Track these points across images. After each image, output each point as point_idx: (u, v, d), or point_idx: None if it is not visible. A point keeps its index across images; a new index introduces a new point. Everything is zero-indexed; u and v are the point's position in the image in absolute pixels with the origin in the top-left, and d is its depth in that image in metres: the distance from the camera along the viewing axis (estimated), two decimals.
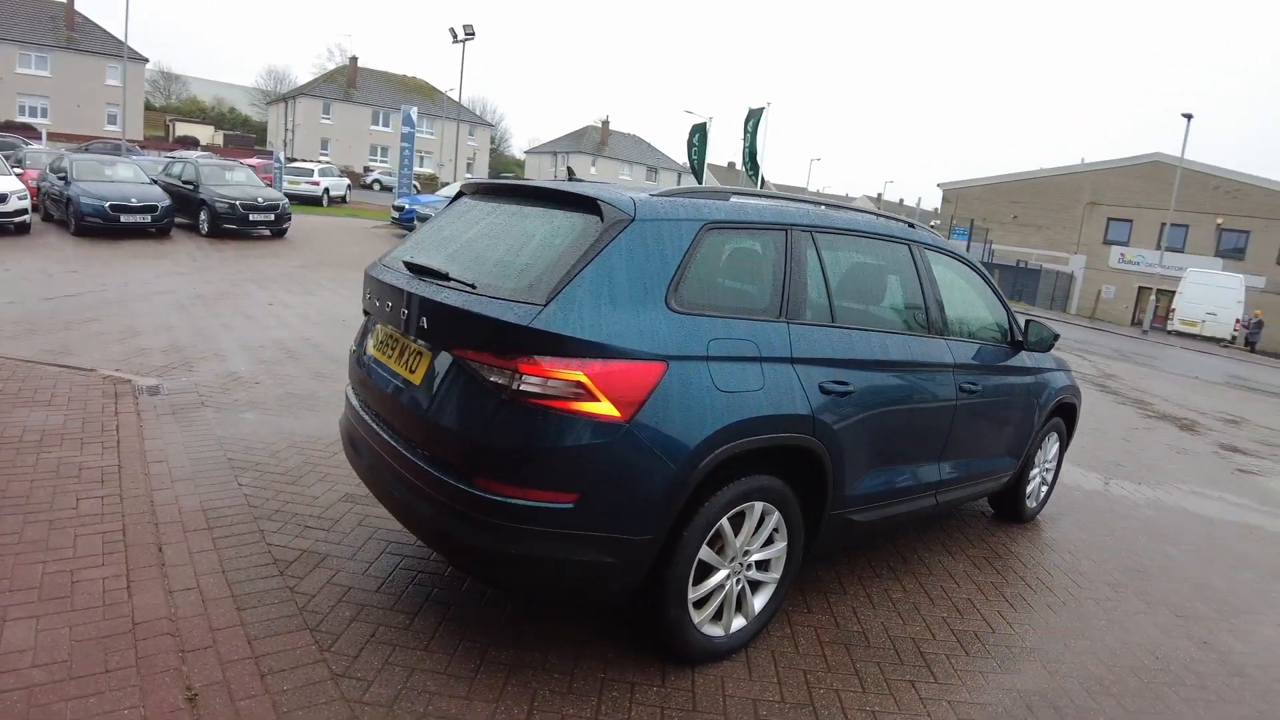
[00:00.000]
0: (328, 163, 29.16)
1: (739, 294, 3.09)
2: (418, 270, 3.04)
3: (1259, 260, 33.79)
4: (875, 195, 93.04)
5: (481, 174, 64.35)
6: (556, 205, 3.00)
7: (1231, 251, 34.64)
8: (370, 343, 3.33)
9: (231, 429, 4.92)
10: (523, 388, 2.51)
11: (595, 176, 70.75)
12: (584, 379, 2.51)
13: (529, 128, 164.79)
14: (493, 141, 75.51)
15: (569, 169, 4.64)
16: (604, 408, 2.53)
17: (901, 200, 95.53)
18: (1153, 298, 29.59)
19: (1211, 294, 27.69)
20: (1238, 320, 27.92)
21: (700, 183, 20.58)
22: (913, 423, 3.78)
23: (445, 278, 2.86)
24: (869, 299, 3.79)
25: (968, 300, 4.41)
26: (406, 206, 17.70)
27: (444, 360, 2.77)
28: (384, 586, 3.34)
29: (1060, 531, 5.26)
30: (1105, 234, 38.86)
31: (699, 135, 20.72)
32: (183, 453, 4.43)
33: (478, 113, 70.29)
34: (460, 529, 2.60)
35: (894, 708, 2.97)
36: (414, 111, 22.65)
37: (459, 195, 3.64)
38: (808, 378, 3.10)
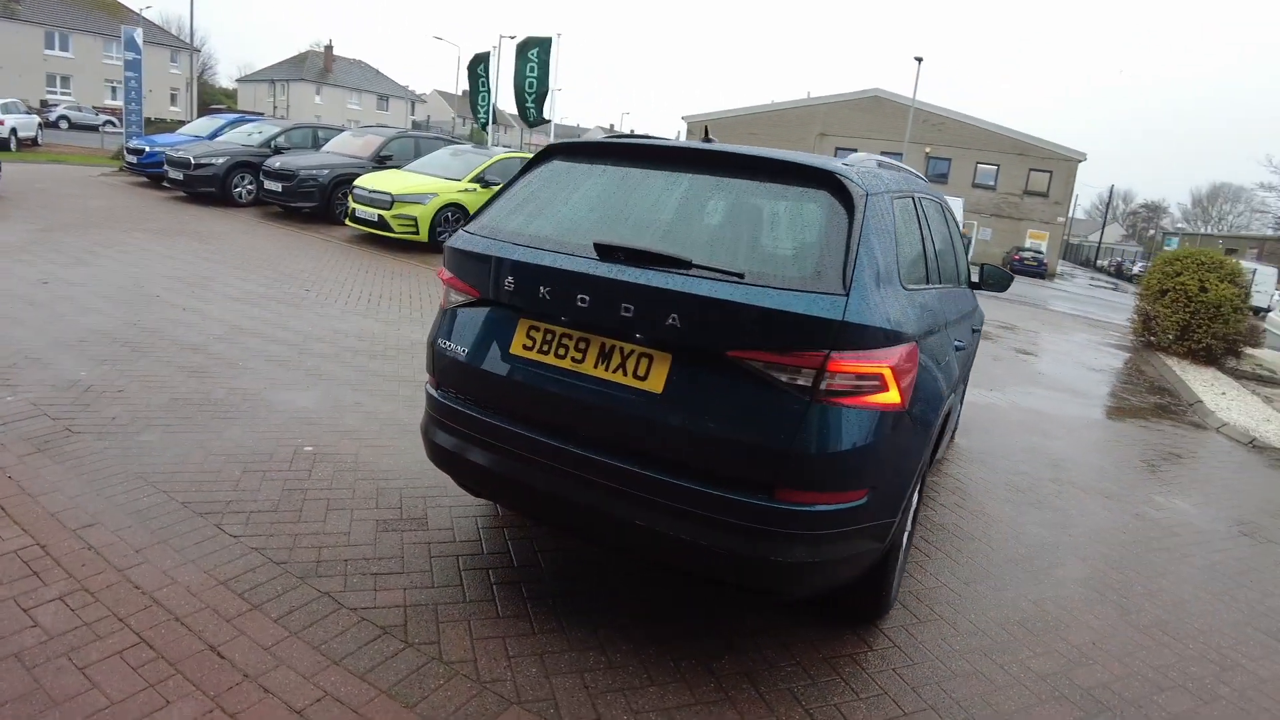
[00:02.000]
0: (9, 99, 22.51)
1: (913, 264, 3.14)
2: (614, 253, 2.47)
3: (957, 184, 39.82)
4: (608, 126, 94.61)
5: (188, 106, 54.71)
6: (777, 178, 2.70)
7: (937, 177, 40.33)
8: (519, 342, 2.65)
9: (142, 459, 3.64)
10: (829, 386, 2.31)
11: (320, 106, 63.82)
12: (886, 371, 2.39)
13: (237, 52, 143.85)
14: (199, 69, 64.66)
15: (706, 128, 3.95)
16: (892, 397, 2.44)
17: (632, 131, 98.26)
18: None
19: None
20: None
21: (489, 121, 19.26)
22: (963, 368, 4.27)
23: (686, 265, 2.40)
24: (942, 257, 3.94)
25: (958, 246, 4.63)
26: (148, 149, 14.45)
27: (701, 363, 2.40)
28: (539, 623, 2.75)
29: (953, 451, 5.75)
30: None
31: (484, 66, 19.10)
32: (110, 506, 3.18)
33: (174, 33, 59.47)
34: (762, 548, 2.35)
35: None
36: (138, 34, 18.33)
37: (545, 157, 3.04)
38: (951, 339, 3.43)
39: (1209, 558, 4.57)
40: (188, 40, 47.68)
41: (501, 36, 20.40)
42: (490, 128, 19.30)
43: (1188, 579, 4.23)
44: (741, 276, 2.36)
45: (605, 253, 2.49)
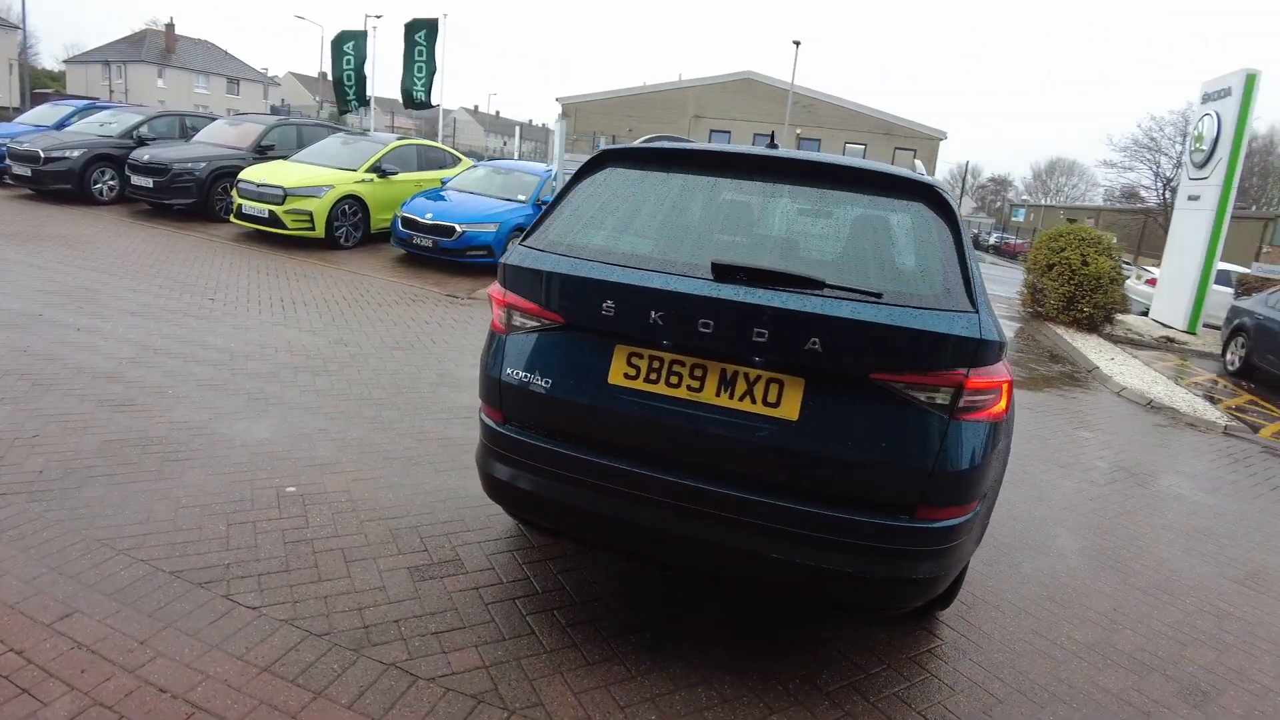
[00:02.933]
0: None
1: None
2: (734, 274, 2.33)
3: None
4: (472, 107, 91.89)
5: (11, 91, 48.08)
6: (869, 189, 2.61)
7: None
8: (619, 371, 2.43)
9: (97, 521, 3.07)
10: (965, 403, 2.30)
11: (164, 91, 58.13)
12: (1006, 384, 2.40)
13: (61, 30, 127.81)
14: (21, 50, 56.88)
15: (773, 134, 3.70)
16: (1002, 407, 2.44)
17: (498, 113, 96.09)
18: None
19: None
20: None
21: (358, 104, 17.99)
22: None
23: (818, 285, 2.30)
24: None
25: None
26: None
27: (840, 387, 2.31)
28: (633, 664, 2.54)
29: None
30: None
31: (354, 45, 17.78)
32: (82, 587, 2.64)
33: None
34: (903, 568, 2.34)
35: None
36: None
37: (599, 164, 2.81)
38: None
39: (1166, 518, 4.94)
40: (6, 16, 41.43)
41: (368, 17, 19.07)
42: (367, 112, 18.10)
43: (1159, 539, 4.54)
44: (879, 296, 2.29)
45: (724, 273, 2.33)
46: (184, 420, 4.18)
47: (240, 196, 10.15)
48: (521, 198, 10.97)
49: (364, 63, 17.63)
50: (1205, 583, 4.06)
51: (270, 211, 9.87)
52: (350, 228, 10.56)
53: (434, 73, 16.98)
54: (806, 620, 3.08)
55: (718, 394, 2.35)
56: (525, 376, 2.53)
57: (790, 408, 2.30)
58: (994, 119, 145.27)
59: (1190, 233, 12.09)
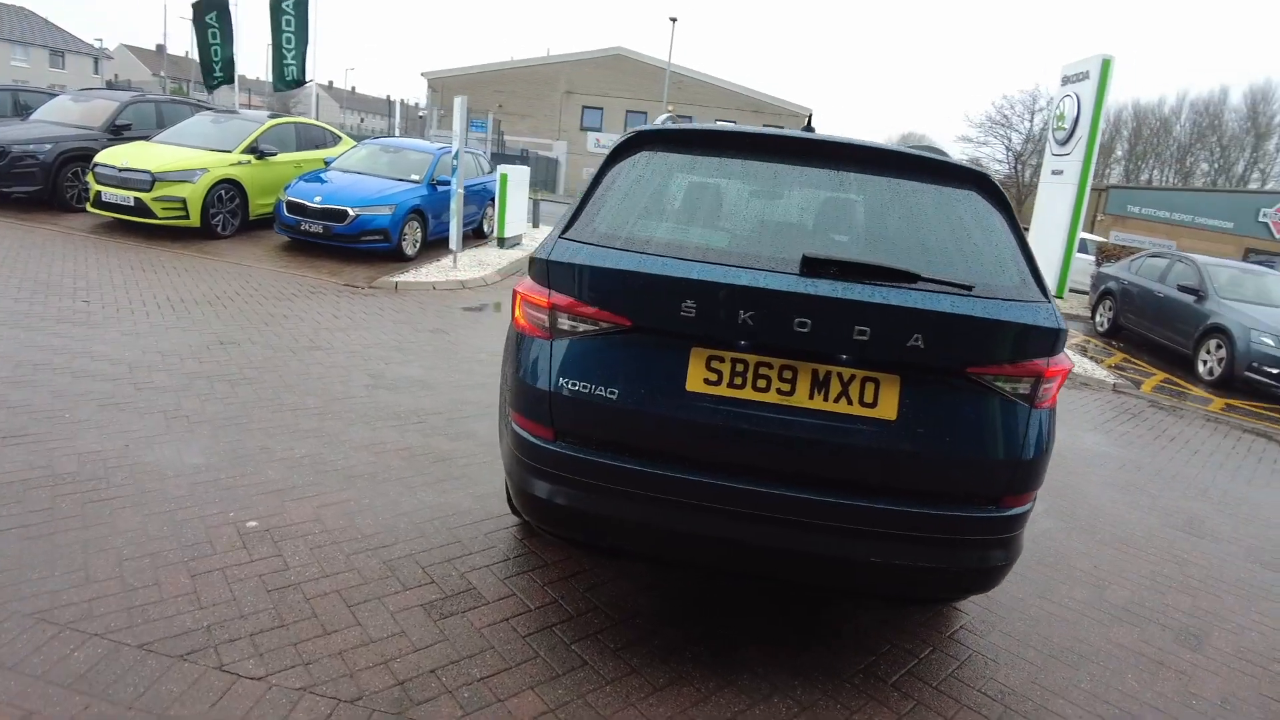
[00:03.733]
0: None
1: None
2: (826, 268, 2.18)
3: None
4: (327, 83, 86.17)
5: None
6: (924, 176, 2.52)
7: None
8: (697, 377, 2.23)
9: (22, 588, 2.47)
10: (1043, 391, 2.32)
11: None
12: (1066, 370, 2.38)
13: None
14: None
15: (809, 117, 3.45)
16: (1055, 393, 2.44)
17: (354, 88, 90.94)
18: None
19: None
20: None
21: (224, 80, 16.27)
22: None
23: (912, 278, 2.21)
24: None
25: None
26: None
27: (934, 383, 2.25)
28: (701, 683, 2.36)
29: None
30: (581, 121, 43.36)
31: (217, 15, 15.94)
32: (30, 679, 2.10)
33: None
34: (992, 557, 2.36)
35: None
36: None
37: (633, 146, 2.56)
38: None
39: (1102, 474, 5.26)
40: None
41: None
42: (231, 89, 16.40)
43: (1104, 496, 4.82)
44: (970, 289, 2.24)
45: (814, 267, 2.18)
46: (94, 450, 3.52)
47: (98, 183, 8.83)
48: (415, 177, 10.27)
49: (230, 34, 15.92)
50: (1156, 533, 4.33)
51: (137, 199, 8.66)
52: (228, 215, 9.47)
53: (306, 45, 15.59)
54: (834, 611, 3.02)
55: (810, 397, 2.21)
56: (586, 387, 2.25)
57: (888, 407, 2.22)
58: (856, 95, 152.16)
59: (1055, 205, 13.03)
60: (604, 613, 2.77)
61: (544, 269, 2.33)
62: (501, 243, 12.20)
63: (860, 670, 2.68)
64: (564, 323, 2.30)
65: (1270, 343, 7.88)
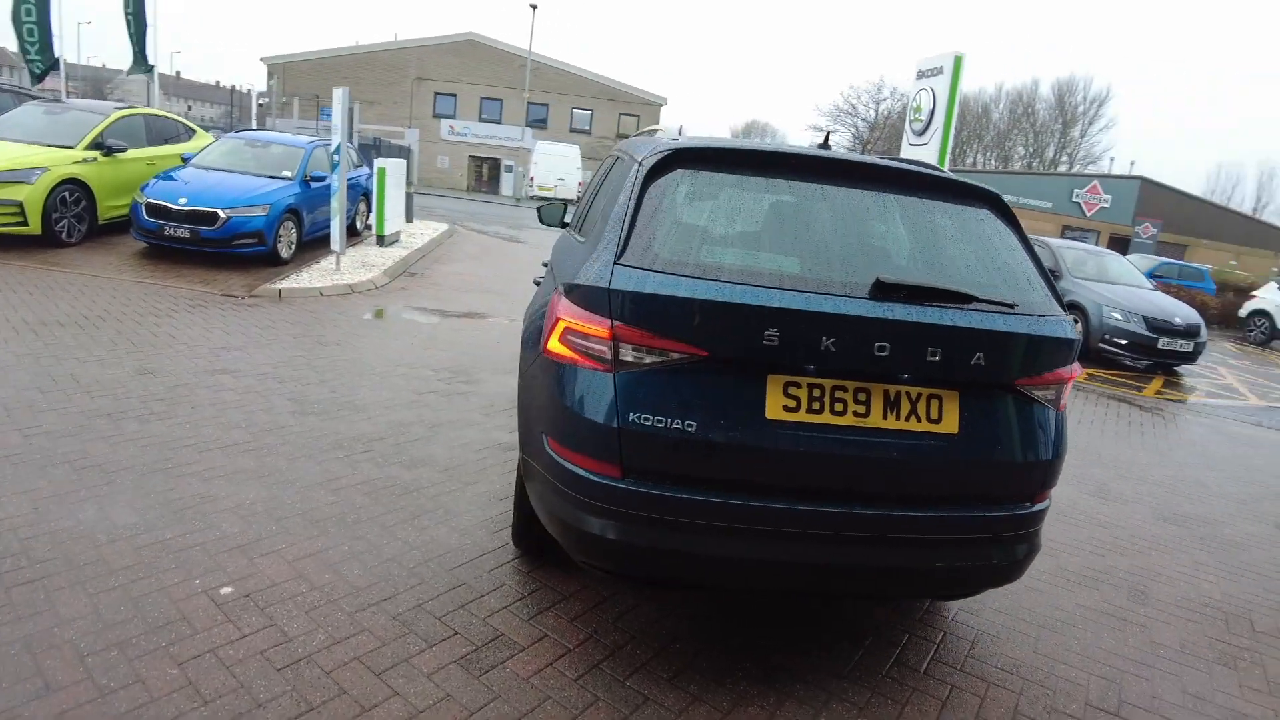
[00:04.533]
0: None
1: None
2: (894, 291, 2.24)
3: (556, 129, 41.36)
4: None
5: None
6: (943, 195, 2.61)
7: (536, 122, 41.35)
8: (776, 404, 2.20)
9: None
10: (1064, 396, 2.54)
11: None
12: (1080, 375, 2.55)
13: None
14: None
15: (827, 134, 3.33)
16: None
17: (179, 74, 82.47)
18: (485, 167, 33.59)
19: (557, 162, 32.99)
20: (580, 183, 34.25)
21: (42, 65, 14.06)
22: None
23: (967, 299, 2.31)
24: None
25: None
26: None
27: (986, 396, 2.38)
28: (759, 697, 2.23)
29: None
30: (434, 108, 41.62)
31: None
32: None
33: None
34: (1020, 550, 2.52)
35: None
36: None
37: (669, 164, 2.46)
38: None
39: None
40: None
41: None
42: (57, 74, 14.27)
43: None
44: (1013, 307, 2.39)
45: (885, 290, 2.23)
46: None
47: None
48: (287, 174, 9.43)
49: (48, 12, 13.81)
50: (1078, 502, 4.73)
51: None
52: (73, 220, 8.23)
53: (146, 29, 13.89)
54: (845, 610, 3.08)
55: (884, 417, 2.26)
56: (661, 421, 2.14)
57: (950, 421, 2.32)
58: (708, 83, 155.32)
59: None
60: (643, 641, 2.66)
61: (603, 297, 2.17)
62: (381, 240, 11.49)
63: (893, 663, 2.77)
64: (630, 354, 2.17)
65: (1119, 316, 8.86)
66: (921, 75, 14.51)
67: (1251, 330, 16.23)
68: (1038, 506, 2.53)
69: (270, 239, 8.63)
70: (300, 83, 39.43)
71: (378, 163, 11.02)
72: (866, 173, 2.58)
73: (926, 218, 2.57)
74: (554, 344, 2.34)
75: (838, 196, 2.51)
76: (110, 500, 3.17)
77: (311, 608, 2.61)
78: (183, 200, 8.09)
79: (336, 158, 8.74)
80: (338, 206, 8.89)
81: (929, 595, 2.68)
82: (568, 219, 5.23)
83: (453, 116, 41.48)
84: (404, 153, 38.28)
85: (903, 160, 2.80)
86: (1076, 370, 2.54)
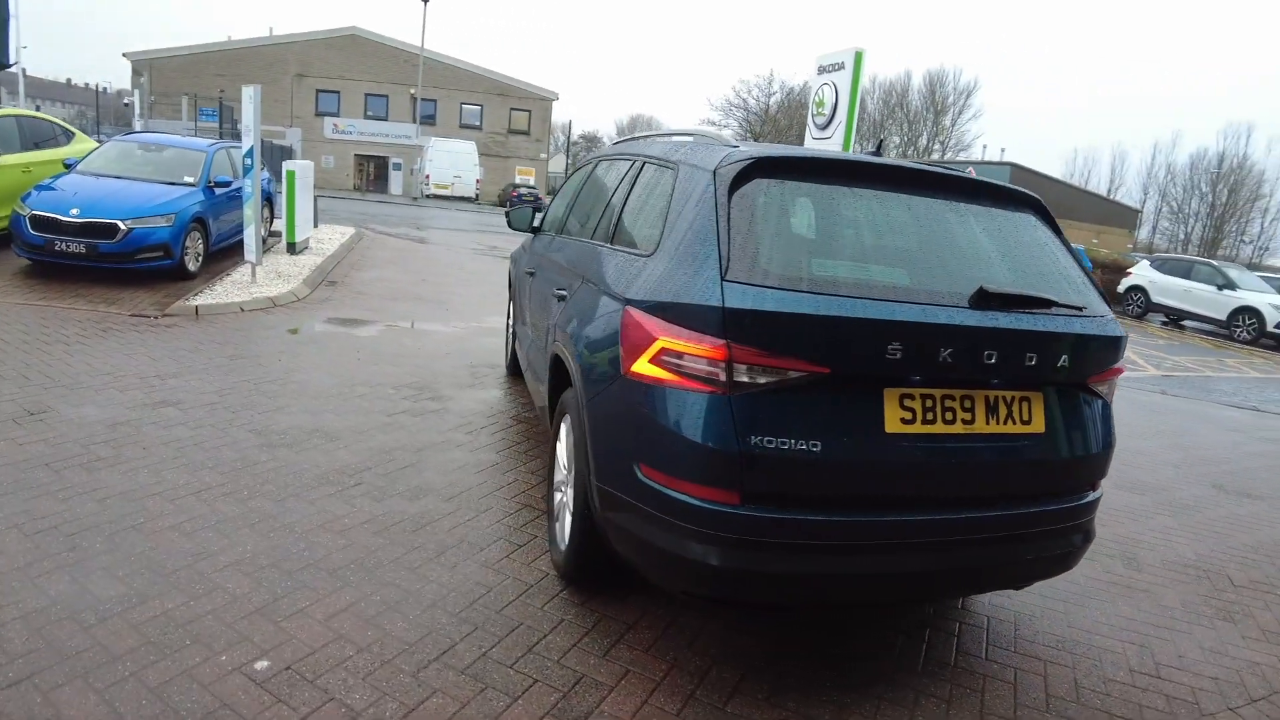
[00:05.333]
0: None
1: None
2: (992, 300, 2.26)
3: (445, 125, 39.97)
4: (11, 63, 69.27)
5: None
6: (996, 202, 2.64)
7: (425, 119, 39.82)
8: (894, 417, 2.17)
9: None
10: (1114, 389, 2.67)
11: None
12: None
13: None
14: None
15: (880, 141, 3.14)
16: None
17: (25, 70, 74.22)
18: (372, 165, 32.05)
19: (454, 160, 31.81)
20: (478, 180, 33.19)
21: None
22: None
23: (1048, 305, 2.38)
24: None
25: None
26: None
27: (1062, 394, 2.47)
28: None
29: None
30: (317, 105, 39.36)
31: None
32: None
33: None
34: (1078, 539, 2.60)
35: None
36: None
37: (747, 176, 2.32)
38: None
39: None
40: None
41: None
42: None
43: None
44: (1082, 309, 2.48)
45: (986, 299, 2.26)
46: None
47: None
48: (189, 179, 8.56)
49: None
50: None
51: None
52: None
53: (7, 21, 12.18)
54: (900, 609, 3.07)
55: (987, 422, 2.29)
56: (786, 443, 2.03)
57: (1038, 421, 2.39)
58: (598, 77, 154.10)
59: None
60: (725, 662, 2.54)
61: (714, 316, 2.01)
62: (292, 248, 10.68)
63: (957, 653, 2.79)
64: (745, 375, 2.03)
65: None
66: (823, 70, 14.86)
67: (1129, 305, 17.80)
68: (1095, 495, 2.63)
69: (177, 251, 7.81)
70: (172, 80, 36.27)
71: (287, 165, 10.22)
72: (936, 181, 2.56)
73: (990, 224, 2.58)
74: (644, 366, 2.18)
75: (917, 205, 2.49)
76: (83, 569, 2.70)
77: (367, 673, 2.29)
78: (74, 211, 7.16)
79: (249, 161, 7.99)
80: (252, 214, 8.13)
81: (1011, 586, 2.70)
82: (536, 223, 4.97)
83: (337, 114, 39.37)
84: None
85: (948, 166, 2.78)
86: (1123, 364, 2.64)
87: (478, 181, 34.32)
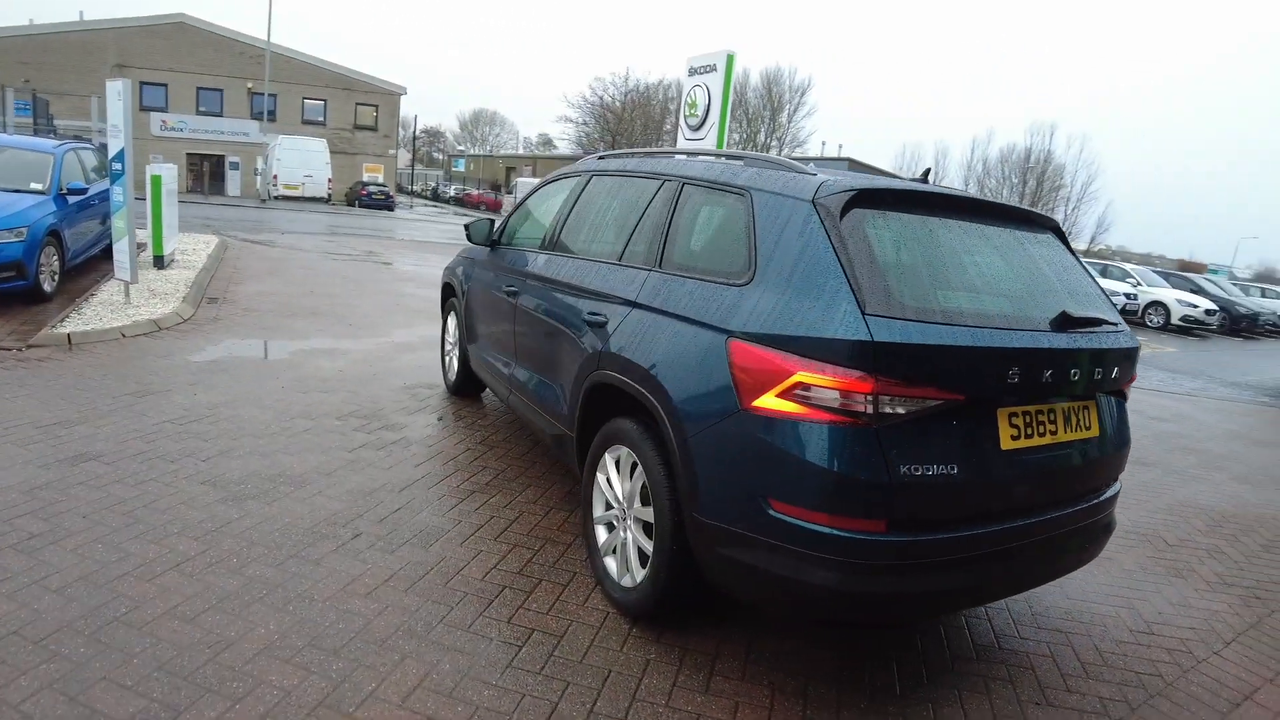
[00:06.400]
0: None
1: None
2: (1070, 323, 2.48)
3: (287, 121, 36.87)
4: None
5: None
6: (1031, 227, 2.80)
7: (263, 114, 36.52)
8: (1006, 435, 2.29)
9: None
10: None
11: None
12: None
13: None
14: None
15: (927, 171, 2.99)
16: None
17: None
18: (208, 165, 29.12)
19: (303, 158, 29.22)
20: (330, 179, 30.68)
21: None
22: None
23: (1099, 323, 2.61)
24: None
25: None
26: None
27: (1104, 401, 2.68)
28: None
29: None
30: (141, 99, 35.00)
31: None
32: None
33: None
34: (1109, 527, 2.81)
35: None
36: None
37: (851, 205, 2.33)
38: None
39: None
40: None
41: None
42: None
43: None
44: (1117, 325, 2.70)
45: (1065, 323, 2.44)
46: None
47: None
48: (37, 186, 7.33)
49: None
50: None
51: None
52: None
53: None
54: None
55: (1064, 431, 2.47)
56: (929, 469, 2.10)
57: (1095, 426, 2.60)
58: (444, 72, 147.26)
59: None
60: (816, 680, 2.56)
61: (862, 350, 2.01)
62: (159, 261, 9.45)
63: (1000, 635, 2.88)
64: (889, 406, 2.03)
65: None
66: (694, 72, 15.03)
67: None
68: (1119, 487, 2.85)
69: (32, 270, 6.65)
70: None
71: (151, 169, 8.95)
72: (997, 211, 2.69)
73: (1036, 248, 2.73)
74: (770, 400, 2.11)
75: (990, 234, 2.61)
76: (77, 682, 2.17)
77: None
78: None
79: (118, 166, 6.90)
80: (124, 226, 7.03)
81: (1064, 575, 2.86)
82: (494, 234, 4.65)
83: (165, 109, 35.23)
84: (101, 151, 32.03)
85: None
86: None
87: (330, 181, 31.94)
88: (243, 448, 4.10)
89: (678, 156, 3.23)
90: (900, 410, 2.06)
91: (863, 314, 2.06)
